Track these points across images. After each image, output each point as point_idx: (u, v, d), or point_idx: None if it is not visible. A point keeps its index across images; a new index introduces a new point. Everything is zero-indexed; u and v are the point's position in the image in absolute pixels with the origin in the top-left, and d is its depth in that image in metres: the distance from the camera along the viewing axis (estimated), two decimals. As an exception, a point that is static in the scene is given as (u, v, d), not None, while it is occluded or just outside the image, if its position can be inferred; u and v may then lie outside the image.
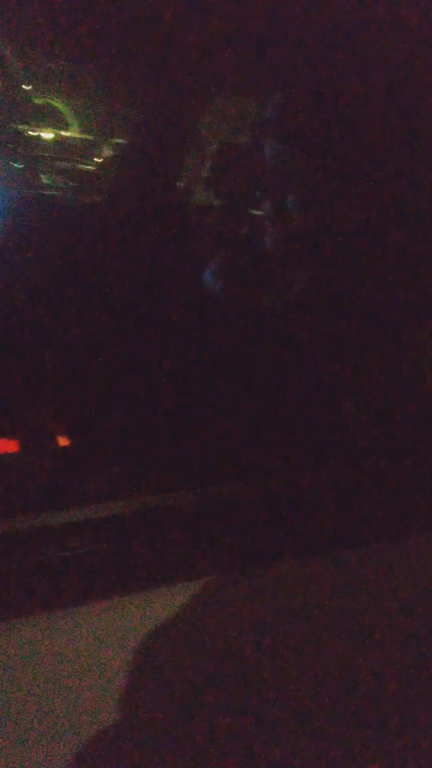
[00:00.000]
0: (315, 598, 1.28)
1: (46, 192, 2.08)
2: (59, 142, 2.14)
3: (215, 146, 1.71)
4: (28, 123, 2.13)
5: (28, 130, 2.13)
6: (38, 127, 2.13)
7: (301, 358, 1.44)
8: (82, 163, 2.11)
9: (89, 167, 2.10)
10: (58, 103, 2.17)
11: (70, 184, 2.08)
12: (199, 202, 1.77)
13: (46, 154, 2.11)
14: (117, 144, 2.10)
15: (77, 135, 2.16)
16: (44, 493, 1.30)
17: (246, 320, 1.51)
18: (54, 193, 2.07)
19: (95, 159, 2.12)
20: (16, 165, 2.09)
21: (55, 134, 2.15)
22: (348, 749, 1.28)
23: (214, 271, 1.56)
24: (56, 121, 2.18)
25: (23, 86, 2.13)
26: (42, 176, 2.09)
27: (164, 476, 1.32)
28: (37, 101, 2.11)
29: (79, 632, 1.08)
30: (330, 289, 1.48)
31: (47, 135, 2.14)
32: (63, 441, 1.48)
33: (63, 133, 2.17)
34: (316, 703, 1.24)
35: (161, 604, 1.14)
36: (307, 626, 1.27)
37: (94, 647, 1.10)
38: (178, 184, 1.78)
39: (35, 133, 2.14)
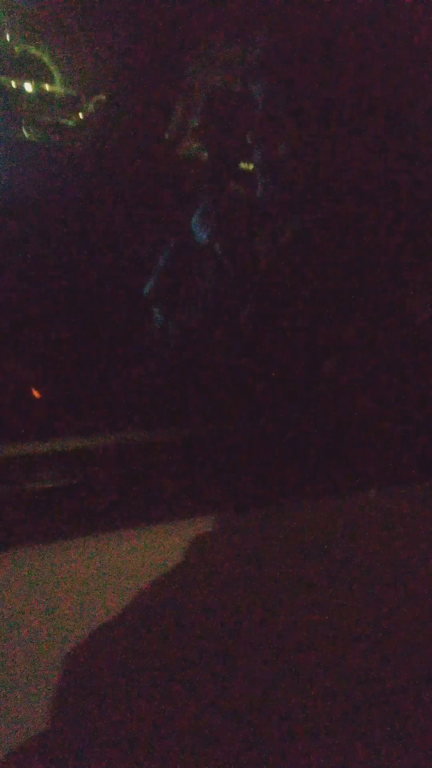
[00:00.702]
0: (312, 541, 1.27)
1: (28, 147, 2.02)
2: (43, 95, 2.07)
3: (204, 94, 1.66)
4: (9, 74, 2.07)
5: (10, 82, 2.07)
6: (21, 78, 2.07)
7: (290, 305, 1.41)
8: (67, 118, 2.05)
9: (73, 122, 2.04)
10: (42, 54, 2.10)
11: (55, 139, 2.02)
12: (188, 153, 1.72)
13: (29, 108, 2.04)
14: (103, 99, 2.04)
15: (62, 89, 2.10)
16: (37, 422, 1.28)
17: (234, 268, 1.48)
18: (37, 148, 2.01)
19: (80, 114, 2.06)
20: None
21: (39, 87, 2.09)
22: (344, 693, 1.27)
23: (201, 220, 1.52)
24: (40, 73, 2.12)
25: (5, 35, 2.06)
26: (23, 130, 2.02)
27: (160, 411, 1.30)
28: (18, 50, 2.04)
29: (77, 564, 1.07)
30: (321, 239, 1.44)
31: (30, 88, 2.08)
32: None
33: (47, 86, 2.10)
34: (312, 647, 1.23)
35: (160, 541, 1.13)
36: (303, 568, 1.26)
37: (92, 580, 1.08)
38: (165, 134, 1.73)
39: (17, 86, 2.07)
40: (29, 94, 2.08)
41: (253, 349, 1.47)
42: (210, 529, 1.16)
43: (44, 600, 1.05)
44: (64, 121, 2.04)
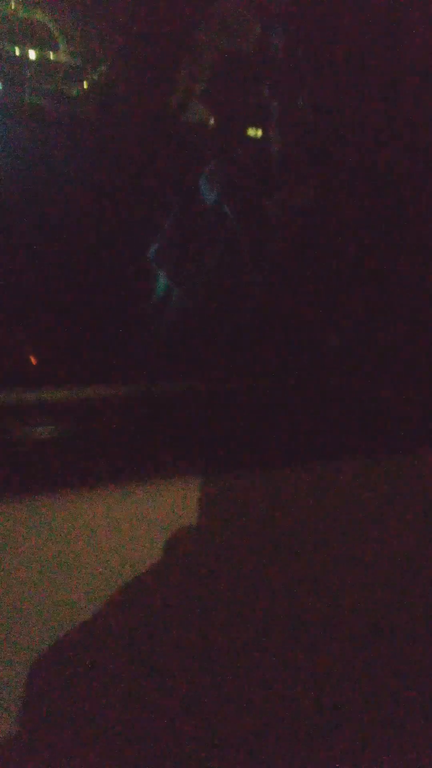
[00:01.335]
0: (316, 504, 1.26)
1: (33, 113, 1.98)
2: (47, 63, 2.04)
3: (212, 57, 1.63)
4: (13, 41, 2.03)
5: (13, 49, 2.03)
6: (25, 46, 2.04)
7: (299, 268, 1.39)
8: (71, 87, 2.02)
9: (77, 91, 2.01)
10: (47, 21, 2.07)
11: (59, 108, 1.99)
12: (195, 117, 1.69)
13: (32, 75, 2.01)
14: (107, 67, 2.01)
15: (67, 57, 2.07)
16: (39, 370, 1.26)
17: (242, 232, 1.45)
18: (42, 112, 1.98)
19: (84, 83, 2.03)
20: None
21: (43, 55, 2.05)
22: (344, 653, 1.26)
23: (209, 182, 1.49)
24: (45, 40, 2.08)
25: (10, 1, 2.02)
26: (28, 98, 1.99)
27: (165, 371, 1.28)
28: (22, 16, 2.01)
29: (80, 517, 1.05)
30: (333, 202, 1.42)
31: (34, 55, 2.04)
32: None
33: (51, 54, 2.07)
34: (314, 608, 1.22)
35: (163, 498, 1.12)
36: (305, 531, 1.25)
37: (95, 533, 1.07)
38: (172, 99, 1.70)
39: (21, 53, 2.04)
40: (33, 61, 2.04)
41: (260, 311, 1.45)
42: (209, 489, 1.14)
43: (43, 551, 1.04)
44: (67, 89, 2.01)
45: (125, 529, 1.10)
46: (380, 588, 1.31)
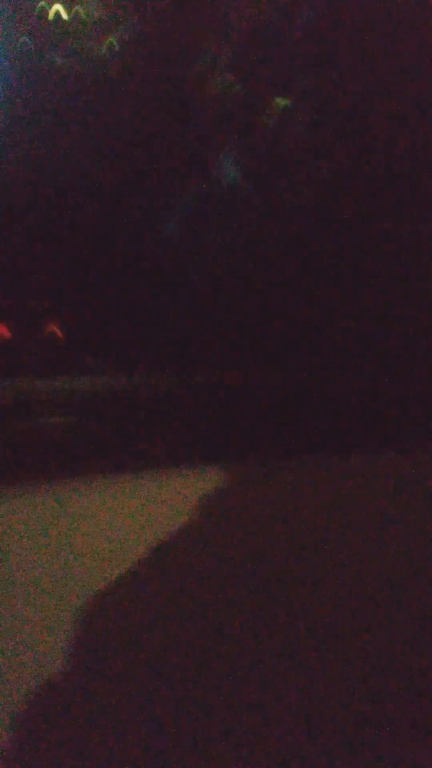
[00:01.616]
0: (319, 496, 1.28)
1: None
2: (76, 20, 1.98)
3: (240, 27, 1.58)
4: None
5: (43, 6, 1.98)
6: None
7: (321, 248, 1.38)
8: (99, 45, 1.96)
9: (104, 50, 1.96)
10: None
11: (86, 66, 1.94)
12: (221, 86, 1.65)
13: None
14: (135, 26, 1.95)
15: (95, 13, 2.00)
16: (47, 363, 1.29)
17: (263, 209, 1.44)
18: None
19: (112, 41, 1.98)
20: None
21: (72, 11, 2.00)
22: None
23: (231, 158, 1.47)
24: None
25: None
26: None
27: (176, 356, 1.30)
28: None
29: (89, 504, 1.08)
30: (356, 180, 1.39)
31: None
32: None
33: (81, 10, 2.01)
34: (316, 601, 1.25)
35: (172, 485, 1.14)
36: (309, 523, 1.27)
37: (103, 520, 1.10)
38: (198, 65, 1.66)
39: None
40: (62, 18, 1.99)
41: (279, 296, 1.44)
42: (215, 477, 1.15)
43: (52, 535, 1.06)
44: (96, 47, 1.96)
45: (128, 517, 1.12)
46: (380, 583, 1.33)
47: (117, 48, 1.89)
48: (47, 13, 1.97)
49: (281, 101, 1.60)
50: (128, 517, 1.14)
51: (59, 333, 1.47)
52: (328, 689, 1.19)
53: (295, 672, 1.19)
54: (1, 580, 1.05)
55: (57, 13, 2.00)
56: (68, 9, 1.99)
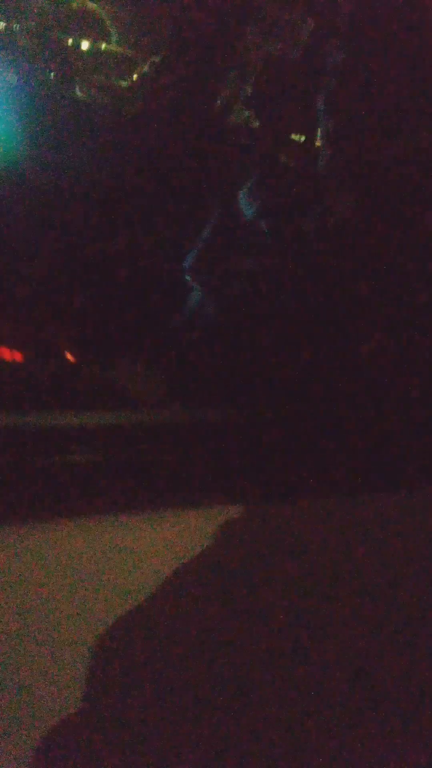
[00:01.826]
0: (320, 539, 1.26)
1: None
2: (97, 53, 2.04)
3: (260, 61, 1.61)
4: (65, 31, 2.04)
5: (66, 39, 2.04)
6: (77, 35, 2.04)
7: (337, 288, 1.38)
8: (121, 79, 2.02)
9: (126, 83, 2.01)
10: (100, 11, 2.06)
11: (107, 100, 1.99)
12: (239, 121, 1.68)
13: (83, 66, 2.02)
14: (157, 61, 2.00)
15: (118, 48, 2.06)
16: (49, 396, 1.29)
17: (279, 247, 1.45)
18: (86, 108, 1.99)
19: (134, 76, 2.03)
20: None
21: (94, 45, 2.06)
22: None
23: (250, 194, 1.49)
24: (97, 31, 2.08)
25: (63, -9, 2.02)
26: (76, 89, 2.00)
27: (192, 390, 1.30)
28: (75, 6, 2.01)
29: (86, 545, 1.09)
30: (376, 215, 1.40)
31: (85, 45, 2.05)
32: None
33: (103, 44, 2.07)
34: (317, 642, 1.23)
35: (169, 527, 1.13)
36: (309, 566, 1.26)
37: (100, 562, 1.10)
38: (217, 102, 1.69)
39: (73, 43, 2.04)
40: (85, 52, 2.05)
41: (294, 332, 1.44)
42: (218, 522, 1.15)
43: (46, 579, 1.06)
44: (117, 81, 2.01)
45: (130, 557, 1.12)
46: (380, 605, 1.31)
47: (139, 83, 1.94)
48: (72, 48, 2.04)
49: (298, 137, 1.62)
50: (132, 561, 1.13)
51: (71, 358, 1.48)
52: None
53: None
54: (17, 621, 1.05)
55: (84, 49, 2.06)
56: (95, 45, 2.06)
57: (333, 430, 1.30)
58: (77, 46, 2.05)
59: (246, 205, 1.47)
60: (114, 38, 2.05)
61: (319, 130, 1.53)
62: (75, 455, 1.09)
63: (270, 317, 1.43)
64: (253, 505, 1.20)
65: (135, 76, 1.98)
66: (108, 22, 2.04)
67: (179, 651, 1.12)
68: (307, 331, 1.40)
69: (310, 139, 1.57)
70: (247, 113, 1.65)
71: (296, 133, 1.58)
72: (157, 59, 1.92)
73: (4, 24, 1.97)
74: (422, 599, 1.32)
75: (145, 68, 1.97)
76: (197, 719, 1.14)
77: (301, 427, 1.29)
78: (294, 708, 1.20)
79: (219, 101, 1.66)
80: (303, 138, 1.58)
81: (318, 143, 1.53)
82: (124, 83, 2.00)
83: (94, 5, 2.03)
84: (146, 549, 1.11)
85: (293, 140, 1.60)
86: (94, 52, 2.05)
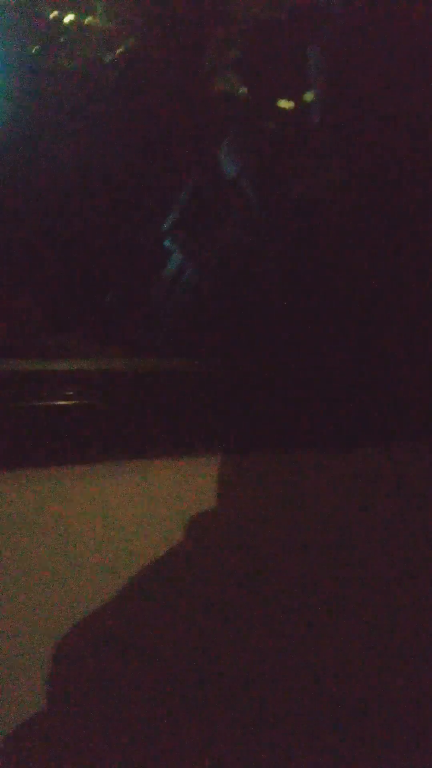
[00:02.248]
0: (313, 491, 1.23)
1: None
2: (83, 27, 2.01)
3: (243, 28, 1.57)
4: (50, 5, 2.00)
5: (50, 12, 2.00)
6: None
7: (323, 249, 1.33)
8: (106, 52, 1.98)
9: (111, 57, 1.97)
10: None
11: (92, 72, 1.95)
12: (223, 88, 1.64)
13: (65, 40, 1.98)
14: (142, 33, 1.96)
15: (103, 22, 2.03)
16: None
17: (262, 208, 1.40)
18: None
19: (120, 48, 1.99)
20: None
21: (79, 19, 2.02)
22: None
23: (230, 153, 1.44)
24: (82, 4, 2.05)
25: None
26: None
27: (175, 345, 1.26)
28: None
29: (83, 491, 1.06)
30: (367, 181, 1.36)
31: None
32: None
33: (89, 17, 2.04)
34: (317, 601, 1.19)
35: (165, 475, 1.10)
36: (302, 518, 1.23)
37: (97, 507, 1.07)
38: (203, 65, 1.65)
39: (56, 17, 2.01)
40: (69, 25, 2.01)
41: (278, 294, 1.40)
42: (210, 469, 1.12)
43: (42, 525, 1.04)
44: (102, 54, 1.98)
45: (132, 505, 1.09)
46: (382, 582, 1.27)
47: (125, 54, 1.90)
48: (58, 22, 2.00)
49: (285, 103, 1.57)
50: (129, 508, 1.10)
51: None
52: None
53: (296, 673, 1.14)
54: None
55: (69, 22, 2.02)
56: (80, 18, 2.02)
57: (328, 382, 1.27)
58: (61, 19, 2.01)
59: (228, 164, 1.42)
60: (100, 12, 2.01)
61: (308, 93, 1.49)
62: (71, 399, 1.06)
63: (257, 279, 1.39)
64: (250, 456, 1.17)
65: (120, 49, 1.95)
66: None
67: (173, 615, 1.08)
68: (299, 289, 1.36)
69: (299, 104, 1.53)
70: (233, 78, 1.60)
71: (285, 98, 1.54)
72: (141, 33, 1.89)
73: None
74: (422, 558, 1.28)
75: (131, 41, 1.93)
76: (196, 691, 1.10)
77: (296, 379, 1.25)
78: (297, 678, 1.16)
79: (206, 65, 1.62)
80: (291, 104, 1.53)
81: (308, 106, 1.48)
82: (109, 56, 1.96)
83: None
84: (142, 496, 1.08)
85: (281, 105, 1.56)
86: (78, 25, 2.01)
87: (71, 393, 1.07)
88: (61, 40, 1.99)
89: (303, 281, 1.35)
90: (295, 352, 1.26)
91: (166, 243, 1.45)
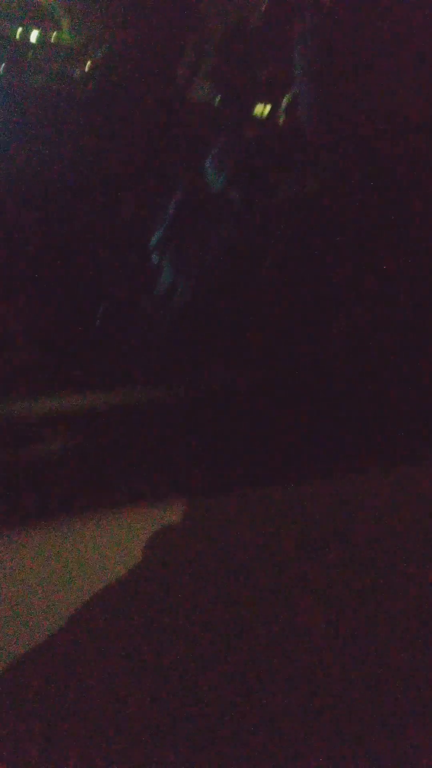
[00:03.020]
0: (312, 521, 1.20)
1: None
2: (49, 44, 1.98)
3: (219, 32, 1.55)
4: (16, 22, 1.97)
5: (16, 30, 1.97)
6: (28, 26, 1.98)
7: (313, 256, 1.31)
8: (74, 67, 1.95)
9: (79, 72, 1.94)
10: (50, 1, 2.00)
11: (61, 87, 1.92)
12: (200, 97, 1.62)
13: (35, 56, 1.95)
14: (111, 48, 1.94)
15: (69, 37, 2.00)
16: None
17: (250, 217, 1.38)
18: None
19: (87, 63, 1.96)
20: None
21: (45, 35, 1.99)
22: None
23: (215, 164, 1.42)
24: (47, 21, 2.02)
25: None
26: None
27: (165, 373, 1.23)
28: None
29: (82, 538, 1.01)
30: (351, 185, 1.34)
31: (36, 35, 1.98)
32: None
33: (54, 34, 2.01)
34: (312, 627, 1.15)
35: (164, 518, 1.07)
36: (304, 550, 1.19)
37: (97, 554, 1.03)
38: (176, 77, 1.63)
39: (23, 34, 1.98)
40: (36, 42, 1.98)
41: (269, 308, 1.37)
42: (212, 511, 1.09)
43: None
44: (70, 70, 1.95)
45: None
46: (380, 595, 1.24)
47: (95, 69, 1.87)
48: (24, 38, 1.97)
49: (261, 109, 1.55)
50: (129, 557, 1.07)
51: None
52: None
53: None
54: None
55: (36, 38, 1.99)
56: (45, 34, 1.99)
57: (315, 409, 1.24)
58: (26, 36, 1.98)
59: (213, 175, 1.39)
60: (65, 26, 1.98)
61: (285, 98, 1.48)
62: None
63: (248, 292, 1.35)
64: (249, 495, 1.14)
65: (88, 64, 1.92)
66: (59, 11, 1.98)
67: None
68: (290, 306, 1.33)
69: (275, 109, 1.51)
70: (208, 86, 1.58)
71: (261, 103, 1.52)
72: (110, 43, 1.86)
73: None
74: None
75: (99, 55, 1.90)
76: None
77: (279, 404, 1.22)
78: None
79: (179, 75, 1.60)
80: (268, 108, 1.51)
81: (287, 110, 1.47)
82: (77, 71, 1.93)
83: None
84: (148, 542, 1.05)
85: (258, 113, 1.54)
86: (45, 42, 1.98)
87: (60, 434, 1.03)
88: (29, 56, 1.95)
89: (296, 289, 1.32)
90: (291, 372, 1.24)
91: (155, 258, 1.42)
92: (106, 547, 1.06)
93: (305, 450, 1.22)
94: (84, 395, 1.08)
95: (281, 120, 1.48)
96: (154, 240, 1.44)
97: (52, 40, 1.99)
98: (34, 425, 1.04)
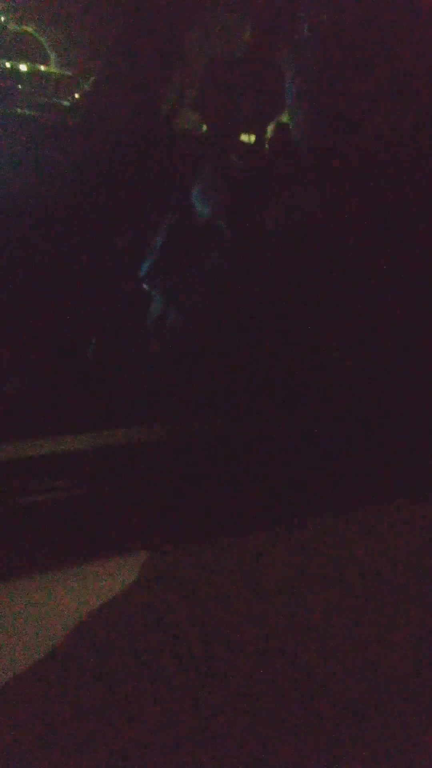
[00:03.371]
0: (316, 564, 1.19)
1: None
2: (38, 75, 2.01)
3: (204, 64, 1.58)
4: (5, 54, 2.00)
5: (5, 62, 2.00)
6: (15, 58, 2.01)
7: (300, 284, 1.32)
8: (62, 98, 1.98)
9: (68, 102, 1.96)
10: (38, 35, 2.03)
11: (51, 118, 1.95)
12: (187, 125, 1.64)
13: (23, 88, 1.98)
14: (99, 79, 1.96)
15: (58, 69, 2.03)
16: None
17: (238, 245, 1.40)
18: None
19: (75, 94, 1.99)
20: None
21: (34, 68, 2.02)
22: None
23: (202, 194, 1.44)
24: (36, 53, 2.05)
25: (1, 15, 1.99)
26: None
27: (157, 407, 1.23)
28: (13, 30, 1.97)
29: (74, 592, 1.02)
30: (340, 210, 1.35)
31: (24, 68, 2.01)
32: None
33: (43, 66, 2.04)
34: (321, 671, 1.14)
35: (158, 568, 1.07)
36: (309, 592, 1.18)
37: (92, 608, 1.03)
38: (162, 108, 1.66)
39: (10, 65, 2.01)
40: (25, 74, 2.01)
41: (261, 337, 1.38)
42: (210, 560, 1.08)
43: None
44: (59, 101, 1.97)
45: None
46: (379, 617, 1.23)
47: (83, 99, 1.90)
48: (12, 72, 2.00)
49: (246, 137, 1.58)
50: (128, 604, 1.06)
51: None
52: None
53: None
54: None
55: (24, 71, 2.02)
56: (32, 67, 2.02)
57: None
58: (16, 68, 2.01)
59: (200, 204, 1.41)
60: (53, 60, 2.01)
61: (269, 127, 1.50)
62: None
63: (240, 319, 1.37)
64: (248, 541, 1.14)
65: (76, 95, 1.95)
66: (47, 46, 2.01)
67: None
68: (284, 334, 1.35)
69: (261, 137, 1.54)
70: (194, 117, 1.61)
71: (246, 132, 1.55)
72: (98, 74, 1.89)
73: None
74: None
75: (86, 86, 1.93)
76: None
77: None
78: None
79: (164, 106, 1.63)
80: (253, 137, 1.54)
81: (268, 141, 1.49)
82: (65, 102, 1.96)
83: (30, 28, 2.00)
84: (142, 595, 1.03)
85: (244, 142, 1.57)
86: (34, 74, 2.01)
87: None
88: (19, 88, 1.98)
89: (288, 313, 1.34)
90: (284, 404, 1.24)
91: (145, 287, 1.44)
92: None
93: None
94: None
95: (267, 148, 1.50)
96: (143, 269, 1.46)
97: (42, 71, 2.02)
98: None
